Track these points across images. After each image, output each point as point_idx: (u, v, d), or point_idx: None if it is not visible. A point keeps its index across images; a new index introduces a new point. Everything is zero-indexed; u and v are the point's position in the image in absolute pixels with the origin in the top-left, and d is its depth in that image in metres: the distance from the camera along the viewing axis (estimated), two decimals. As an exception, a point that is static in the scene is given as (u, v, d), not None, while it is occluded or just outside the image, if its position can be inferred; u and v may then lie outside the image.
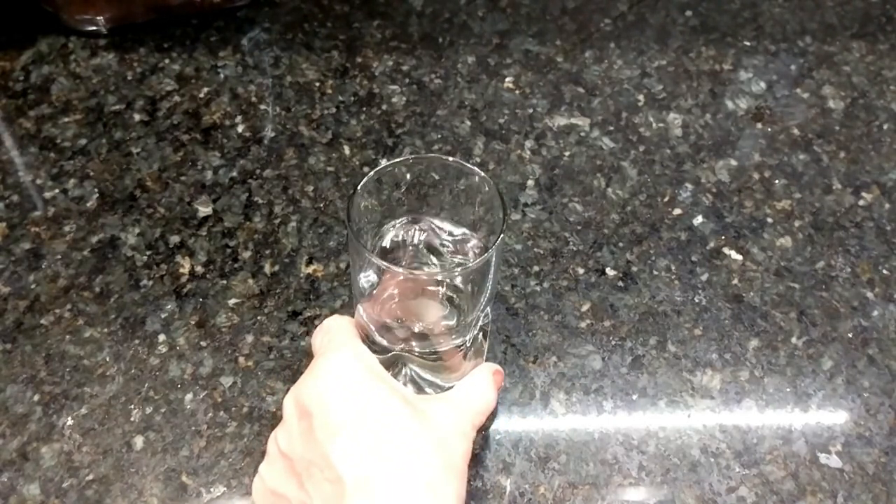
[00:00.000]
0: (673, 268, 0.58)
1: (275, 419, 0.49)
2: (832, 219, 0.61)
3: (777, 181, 0.63)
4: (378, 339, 0.46)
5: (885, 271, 0.58)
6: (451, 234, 0.48)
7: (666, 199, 0.62)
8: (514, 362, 0.52)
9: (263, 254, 0.57)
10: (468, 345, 0.46)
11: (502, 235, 0.40)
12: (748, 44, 0.74)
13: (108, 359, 0.52)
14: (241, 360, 0.52)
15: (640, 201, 0.62)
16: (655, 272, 0.57)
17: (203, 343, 0.53)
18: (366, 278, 0.44)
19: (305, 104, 0.67)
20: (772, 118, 0.68)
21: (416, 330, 0.46)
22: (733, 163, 0.65)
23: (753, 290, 0.57)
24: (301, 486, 0.37)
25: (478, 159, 0.64)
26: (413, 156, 0.59)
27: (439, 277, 0.47)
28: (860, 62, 0.73)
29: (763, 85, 0.71)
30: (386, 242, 0.48)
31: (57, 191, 0.61)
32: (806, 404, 0.51)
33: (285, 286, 0.56)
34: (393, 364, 0.47)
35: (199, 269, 0.56)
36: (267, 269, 0.57)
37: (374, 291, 0.45)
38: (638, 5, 0.78)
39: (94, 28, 0.72)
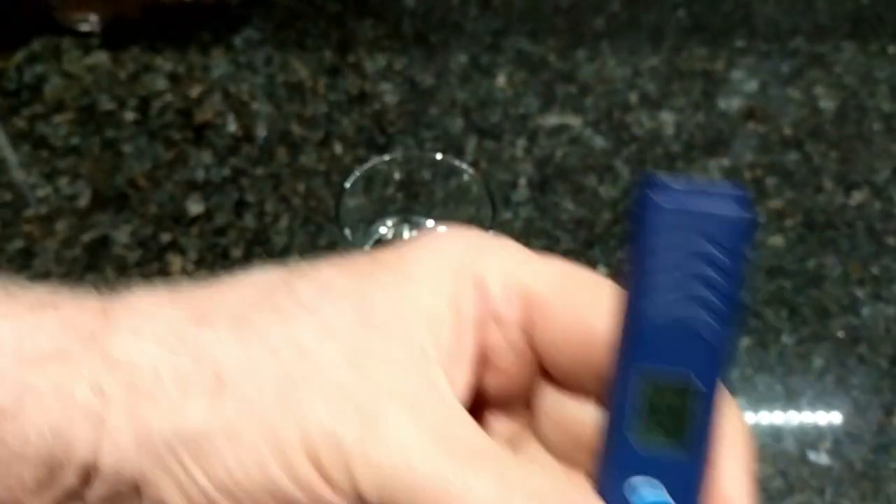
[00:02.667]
0: (664, 266, 0.58)
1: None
2: (823, 218, 0.61)
3: (768, 180, 0.64)
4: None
5: (875, 270, 0.58)
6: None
7: (657, 198, 0.62)
8: (505, 360, 0.52)
9: (254, 252, 0.57)
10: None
11: (490, 232, 0.40)
12: (740, 44, 0.74)
13: (98, 357, 0.52)
14: (232, 358, 0.52)
15: (632, 200, 0.62)
16: (646, 271, 0.57)
17: (194, 341, 0.53)
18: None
19: (297, 103, 0.68)
20: (764, 118, 0.68)
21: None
22: (725, 162, 0.65)
23: (744, 289, 0.57)
24: None
25: (470, 158, 0.64)
26: (403, 154, 0.59)
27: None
28: (852, 62, 0.73)
29: (755, 85, 0.71)
30: (376, 239, 0.48)
31: (49, 189, 0.61)
32: (796, 402, 0.51)
33: (276, 284, 0.56)
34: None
35: (189, 267, 0.56)
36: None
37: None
38: (631, 5, 0.78)
39: (88, 27, 0.73)
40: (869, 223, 0.61)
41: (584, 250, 0.58)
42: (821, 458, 0.48)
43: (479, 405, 0.25)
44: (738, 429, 0.22)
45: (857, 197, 0.63)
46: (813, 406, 0.51)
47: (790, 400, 0.51)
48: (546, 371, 0.24)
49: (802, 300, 0.56)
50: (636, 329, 0.20)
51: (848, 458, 0.48)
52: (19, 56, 0.71)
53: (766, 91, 0.70)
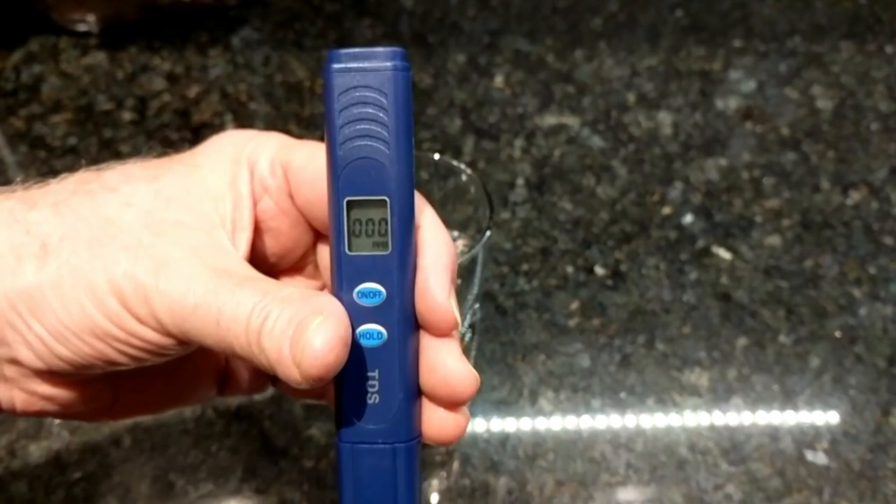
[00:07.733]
0: (662, 266, 0.58)
1: (262, 417, 0.49)
2: (820, 218, 0.61)
3: (766, 180, 0.64)
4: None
5: (872, 270, 0.58)
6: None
7: (655, 198, 0.62)
8: (503, 360, 0.52)
9: (253, 252, 0.57)
10: (456, 343, 0.46)
11: (488, 233, 0.40)
12: (738, 44, 0.75)
13: (96, 357, 0.52)
14: (230, 358, 0.52)
15: (629, 200, 0.62)
16: (644, 271, 0.58)
17: (192, 341, 0.53)
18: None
19: (295, 103, 0.68)
20: (761, 118, 0.68)
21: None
22: (723, 162, 0.65)
23: (742, 289, 0.57)
24: None
25: (468, 158, 0.64)
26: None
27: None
28: (849, 62, 0.73)
29: (753, 84, 0.71)
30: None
31: (46, 189, 0.61)
32: (793, 402, 0.51)
33: (274, 285, 0.56)
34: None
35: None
36: (256, 267, 0.57)
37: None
38: (629, 5, 0.78)
39: (85, 27, 0.72)
40: (866, 223, 0.61)
41: (581, 250, 0.58)
42: (818, 457, 0.49)
43: (274, 272, 0.31)
44: (439, 239, 0.27)
45: (855, 197, 0.63)
46: (810, 406, 0.51)
47: (787, 400, 0.51)
48: (320, 233, 0.30)
49: (800, 300, 0.56)
50: (335, 170, 0.26)
51: (845, 458, 0.48)
52: (17, 56, 0.71)
53: (763, 91, 0.71)
